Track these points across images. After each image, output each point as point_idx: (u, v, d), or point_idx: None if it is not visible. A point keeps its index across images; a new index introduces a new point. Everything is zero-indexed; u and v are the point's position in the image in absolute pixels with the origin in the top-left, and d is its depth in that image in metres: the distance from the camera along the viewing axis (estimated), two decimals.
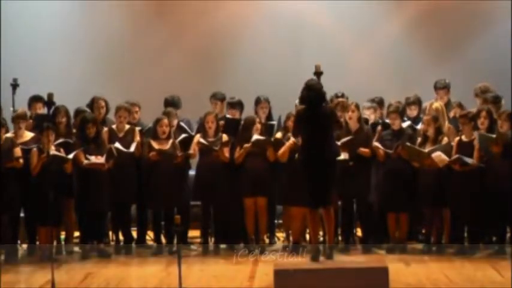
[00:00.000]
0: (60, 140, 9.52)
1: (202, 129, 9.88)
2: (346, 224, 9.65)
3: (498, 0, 12.31)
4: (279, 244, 10.12)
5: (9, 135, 9.50)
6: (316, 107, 8.09)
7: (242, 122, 9.84)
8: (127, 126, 9.88)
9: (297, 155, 8.86)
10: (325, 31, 12.58)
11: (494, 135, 9.08)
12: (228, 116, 10.11)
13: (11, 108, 10.17)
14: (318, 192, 8.04)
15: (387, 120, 9.85)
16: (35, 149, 9.32)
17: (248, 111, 10.23)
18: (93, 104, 10.16)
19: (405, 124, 9.85)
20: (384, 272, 7.46)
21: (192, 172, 10.04)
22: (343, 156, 9.11)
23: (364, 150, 9.44)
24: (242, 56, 12.60)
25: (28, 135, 9.64)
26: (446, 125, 9.71)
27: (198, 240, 10.07)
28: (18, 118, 9.65)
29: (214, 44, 12.67)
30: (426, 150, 9.27)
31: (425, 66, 12.27)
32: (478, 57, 12.21)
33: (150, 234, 10.25)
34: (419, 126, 9.86)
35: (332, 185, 8.17)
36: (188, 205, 10.02)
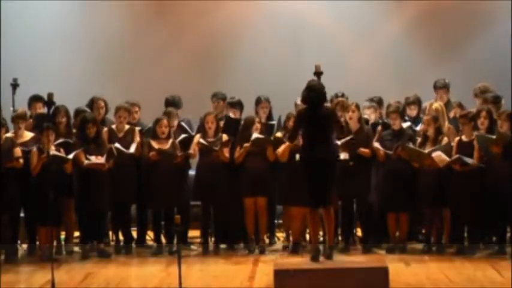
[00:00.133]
0: (60, 140, 9.52)
1: (202, 129, 9.88)
2: (346, 224, 9.65)
3: (498, 0, 12.31)
4: (279, 244, 10.12)
5: (9, 135, 9.50)
6: (317, 108, 8.10)
7: (242, 122, 9.84)
8: (127, 127, 9.88)
9: (298, 156, 8.86)
10: (325, 31, 12.58)
11: (493, 136, 9.07)
12: (228, 114, 10.10)
13: (11, 108, 10.17)
14: (318, 192, 8.04)
15: (386, 120, 9.85)
16: (35, 149, 9.32)
17: (248, 111, 10.24)
18: (92, 104, 10.16)
19: (405, 124, 9.85)
20: (384, 272, 7.46)
21: (192, 172, 10.04)
22: (343, 156, 9.12)
23: (364, 150, 9.44)
24: (242, 56, 12.60)
25: (28, 135, 9.64)
26: (446, 125, 9.70)
27: (198, 240, 10.07)
28: (18, 118, 9.65)
29: (214, 44, 12.68)
30: (426, 150, 9.27)
31: (425, 66, 12.27)
32: (478, 57, 12.21)
33: (150, 234, 10.25)
34: (419, 127, 9.86)
35: (332, 185, 8.17)
36: (188, 205, 10.02)
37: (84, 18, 12.75)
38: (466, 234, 9.36)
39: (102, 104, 10.18)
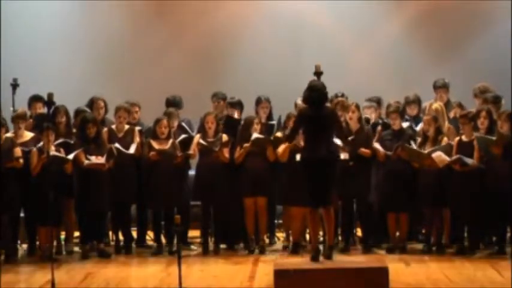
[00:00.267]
0: (60, 140, 9.52)
1: (202, 129, 9.88)
2: (346, 224, 9.65)
3: (498, 0, 12.31)
4: (279, 244, 10.12)
5: (9, 135, 9.50)
6: (318, 108, 8.10)
7: (242, 122, 9.84)
8: (126, 127, 9.88)
9: (298, 156, 8.86)
10: (325, 31, 12.58)
11: (493, 138, 9.06)
12: (229, 114, 10.10)
13: (11, 108, 10.17)
14: (318, 192, 8.04)
15: (386, 120, 9.85)
16: (35, 149, 9.32)
17: (248, 111, 10.24)
18: (92, 104, 10.16)
19: (405, 124, 9.85)
20: (384, 272, 7.46)
21: (192, 172, 10.04)
22: (343, 156, 9.11)
23: (364, 150, 9.44)
24: (242, 56, 12.60)
25: (28, 135, 9.64)
26: (446, 125, 9.70)
27: (198, 240, 10.07)
28: (18, 118, 9.65)
29: (214, 44, 12.68)
30: (426, 151, 9.27)
31: (425, 66, 12.27)
32: (478, 57, 12.21)
33: (150, 234, 10.25)
34: (419, 127, 9.86)
35: (332, 185, 8.17)
36: (188, 205, 10.02)
37: (84, 18, 12.75)
38: (466, 234, 9.36)
39: (102, 104, 10.18)
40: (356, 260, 8.42)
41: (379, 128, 9.75)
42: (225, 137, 9.72)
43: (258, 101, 10.18)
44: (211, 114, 9.84)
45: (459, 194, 9.14)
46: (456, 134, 9.54)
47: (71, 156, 9.29)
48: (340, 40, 12.59)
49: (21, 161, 9.32)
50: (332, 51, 12.17)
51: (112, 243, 10.03)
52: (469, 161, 9.07)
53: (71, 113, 9.99)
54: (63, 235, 9.91)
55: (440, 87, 10.42)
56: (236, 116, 10.08)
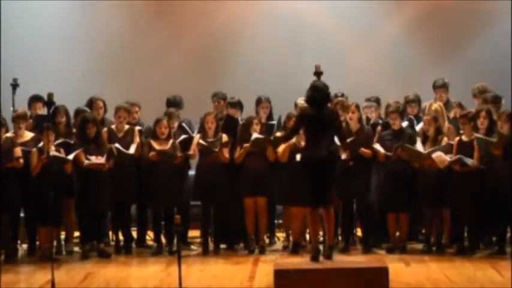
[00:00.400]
0: (60, 140, 9.52)
1: (202, 129, 9.88)
2: (346, 224, 9.65)
3: (498, 0, 12.31)
4: (279, 244, 10.12)
5: (9, 135, 9.49)
6: (320, 108, 8.10)
7: (243, 122, 9.83)
8: (126, 127, 9.88)
9: (298, 156, 8.87)
10: (325, 31, 12.58)
11: (493, 139, 9.05)
12: (230, 114, 10.10)
13: (11, 108, 10.17)
14: (318, 192, 8.03)
15: (386, 120, 9.85)
16: (35, 149, 9.32)
17: (248, 111, 10.23)
18: (91, 104, 10.17)
19: (405, 124, 9.85)
20: (384, 272, 7.46)
21: (192, 172, 10.04)
22: (343, 156, 9.12)
23: (365, 150, 9.44)
24: (242, 56, 12.60)
25: (28, 135, 9.64)
26: (446, 125, 9.70)
27: (198, 240, 10.07)
28: (18, 118, 9.65)
29: (214, 44, 12.68)
30: (426, 151, 9.26)
31: (425, 66, 12.27)
32: (478, 57, 12.21)
33: (150, 234, 10.25)
34: (418, 127, 9.86)
35: (332, 185, 8.16)
36: (188, 205, 10.02)
37: (84, 18, 12.75)
38: (466, 234, 9.36)
39: (101, 104, 10.18)
40: (356, 260, 8.42)
41: (379, 128, 9.75)
42: (225, 137, 9.72)
43: (258, 101, 10.17)
44: (211, 114, 9.84)
45: (459, 194, 9.14)
46: (456, 134, 9.54)
47: (71, 157, 9.29)
48: (340, 40, 12.59)
49: (21, 161, 9.32)
50: (332, 51, 12.17)
51: (112, 243, 10.04)
52: (469, 161, 9.07)
53: (71, 113, 9.99)
54: (63, 235, 9.91)
55: (440, 87, 10.42)
56: (239, 117, 10.06)
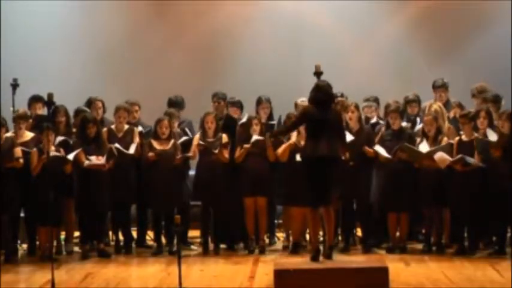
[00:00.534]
0: (61, 139, 9.52)
1: (202, 129, 9.88)
2: (346, 224, 9.64)
3: (498, 0, 12.31)
4: (279, 244, 10.12)
5: (9, 135, 9.49)
6: (324, 109, 8.09)
7: (242, 122, 9.82)
8: (126, 127, 9.88)
9: (298, 156, 8.87)
10: (325, 31, 12.57)
11: (493, 140, 9.04)
12: (229, 114, 10.10)
13: (11, 108, 10.17)
14: (318, 191, 8.03)
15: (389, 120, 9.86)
16: (35, 149, 9.32)
17: (248, 111, 10.23)
18: (90, 104, 10.17)
19: (404, 123, 9.85)
20: (384, 272, 7.46)
21: (192, 172, 10.04)
22: (344, 157, 9.10)
23: (369, 150, 9.43)
24: (242, 56, 12.60)
25: (28, 135, 9.64)
26: (446, 125, 9.70)
27: (198, 240, 10.07)
28: (19, 118, 9.65)
29: (214, 44, 12.67)
30: (425, 151, 9.26)
31: (425, 66, 12.27)
32: (478, 57, 12.21)
33: (150, 234, 10.25)
34: (418, 127, 9.86)
35: (333, 184, 8.16)
36: (188, 205, 10.02)
37: (84, 18, 12.74)
38: (466, 234, 9.36)
39: (100, 104, 10.20)
40: (356, 260, 8.43)
41: (382, 129, 9.74)
42: (224, 137, 9.72)
43: (259, 102, 10.17)
44: (210, 114, 9.84)
45: (459, 194, 9.14)
46: (456, 134, 9.54)
47: (71, 157, 9.29)
48: (340, 40, 12.59)
49: (21, 161, 9.32)
50: (332, 51, 12.17)
51: (112, 243, 10.03)
52: (471, 160, 9.06)
53: (71, 113, 9.99)
54: (63, 235, 9.91)
55: (440, 87, 10.42)
56: (241, 116, 10.05)
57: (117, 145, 9.60)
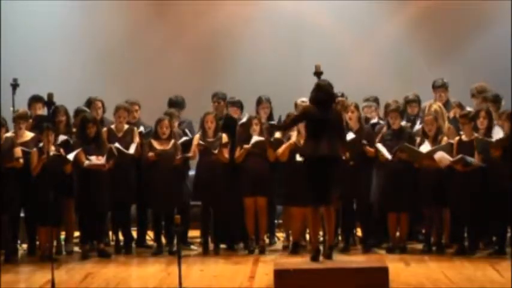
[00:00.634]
0: (62, 138, 9.52)
1: (202, 129, 9.88)
2: (346, 224, 9.64)
3: (498, 0, 12.31)
4: (279, 244, 10.12)
5: (9, 135, 9.50)
6: (325, 109, 8.08)
7: (242, 122, 9.82)
8: (126, 126, 9.88)
9: (298, 156, 8.86)
10: (325, 31, 12.57)
11: (492, 140, 9.05)
12: (229, 113, 10.10)
13: (11, 108, 10.17)
14: (319, 191, 8.03)
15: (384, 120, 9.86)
16: (35, 149, 9.32)
17: (248, 111, 10.23)
18: (89, 105, 10.17)
19: (404, 123, 9.85)
20: (384, 272, 7.46)
21: (192, 172, 10.04)
22: (344, 157, 9.10)
23: (370, 149, 9.43)
24: (242, 56, 12.60)
25: (28, 135, 9.64)
26: (446, 125, 9.70)
27: (198, 240, 10.07)
28: (19, 118, 9.65)
29: (214, 44, 12.67)
30: (425, 150, 9.26)
31: (425, 66, 12.27)
32: (478, 57, 12.20)
33: (150, 234, 10.25)
34: (418, 127, 9.86)
35: (333, 184, 8.16)
36: (188, 205, 10.02)
37: (84, 18, 12.74)
38: (466, 234, 9.36)
39: (100, 104, 10.21)
40: (356, 260, 8.43)
41: (384, 129, 9.74)
42: (224, 137, 9.72)
43: (259, 102, 10.17)
44: (210, 114, 9.84)
45: (459, 194, 9.14)
46: (456, 134, 9.54)
47: (71, 157, 9.29)
48: (340, 40, 12.58)
49: (21, 161, 9.33)
50: (332, 51, 12.16)
51: (112, 243, 10.04)
52: (471, 160, 9.06)
53: (71, 113, 9.99)
54: (63, 235, 9.91)
55: (439, 87, 10.42)
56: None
57: (117, 145, 9.60)
